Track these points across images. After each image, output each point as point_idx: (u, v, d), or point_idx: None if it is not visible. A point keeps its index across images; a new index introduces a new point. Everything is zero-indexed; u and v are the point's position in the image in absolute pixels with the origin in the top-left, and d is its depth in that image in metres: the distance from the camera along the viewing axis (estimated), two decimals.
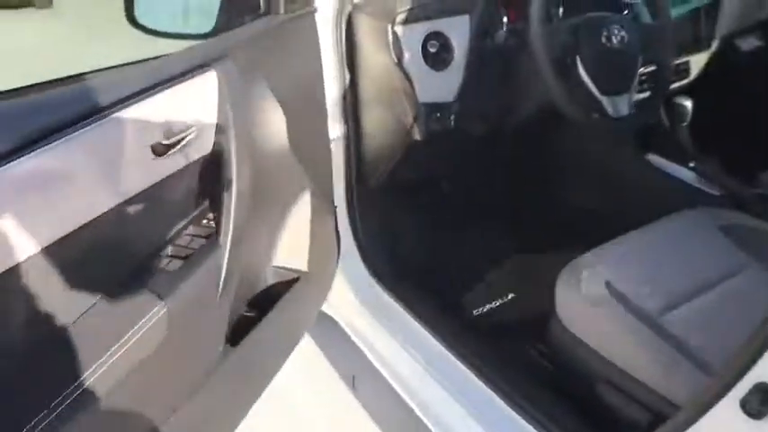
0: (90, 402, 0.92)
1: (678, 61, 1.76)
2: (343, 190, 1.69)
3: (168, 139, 1.00)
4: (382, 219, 1.79)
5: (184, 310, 1.05)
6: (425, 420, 1.46)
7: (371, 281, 1.72)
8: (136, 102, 0.94)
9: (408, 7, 1.48)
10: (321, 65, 1.40)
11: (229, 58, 1.10)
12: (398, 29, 1.46)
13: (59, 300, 0.90)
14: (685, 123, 1.84)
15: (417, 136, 1.56)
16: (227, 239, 1.12)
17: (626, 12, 1.62)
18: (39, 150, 0.81)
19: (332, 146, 1.62)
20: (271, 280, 1.42)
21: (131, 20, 1.31)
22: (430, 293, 1.69)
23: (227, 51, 1.11)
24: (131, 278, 1.02)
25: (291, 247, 1.43)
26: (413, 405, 1.52)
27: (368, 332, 1.71)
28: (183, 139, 1.02)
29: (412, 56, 1.47)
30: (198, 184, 1.12)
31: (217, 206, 1.12)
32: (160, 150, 0.99)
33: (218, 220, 1.13)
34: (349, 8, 1.53)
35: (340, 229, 1.69)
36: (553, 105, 1.46)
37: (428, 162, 1.78)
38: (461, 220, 1.91)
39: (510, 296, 1.84)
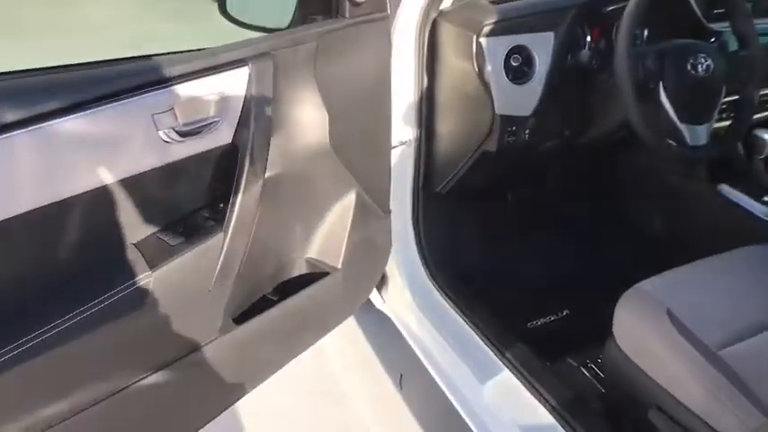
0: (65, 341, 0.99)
1: (762, 92, 1.73)
2: (409, 194, 1.73)
3: (191, 124, 1.07)
4: (446, 225, 1.83)
5: (171, 284, 1.11)
6: (470, 424, 1.49)
7: (430, 285, 1.76)
8: (168, 86, 1.02)
9: (495, 20, 1.49)
10: (389, 70, 1.40)
11: (269, 57, 1.13)
12: (483, 40, 1.47)
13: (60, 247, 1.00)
14: (762, 156, 1.80)
15: (490, 147, 1.58)
16: (229, 226, 1.15)
17: (713, 40, 1.60)
18: (75, 115, 0.93)
19: (401, 149, 1.67)
20: (302, 270, 1.43)
21: (222, 10, 1.36)
22: (486, 301, 1.70)
23: (271, 49, 1.15)
24: (131, 246, 1.09)
25: (331, 244, 1.43)
26: (459, 408, 1.55)
27: (420, 333, 1.74)
28: (205, 125, 1.08)
29: (494, 67, 1.48)
30: (215, 171, 1.16)
31: (227, 194, 1.15)
32: (183, 133, 1.05)
33: (226, 208, 1.16)
34: (434, 15, 1.58)
35: (402, 231, 1.74)
36: (628, 128, 1.46)
37: (497, 173, 1.79)
38: (525, 233, 1.93)
39: (565, 312, 1.84)
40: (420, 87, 1.62)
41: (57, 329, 0.97)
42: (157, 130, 1.02)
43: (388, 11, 1.36)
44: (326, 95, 1.24)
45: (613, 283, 1.35)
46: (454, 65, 1.58)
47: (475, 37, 1.48)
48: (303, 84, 1.21)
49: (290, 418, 1.86)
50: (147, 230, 1.11)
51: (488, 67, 1.48)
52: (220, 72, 1.08)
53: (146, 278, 1.07)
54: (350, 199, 1.42)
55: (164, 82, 1.02)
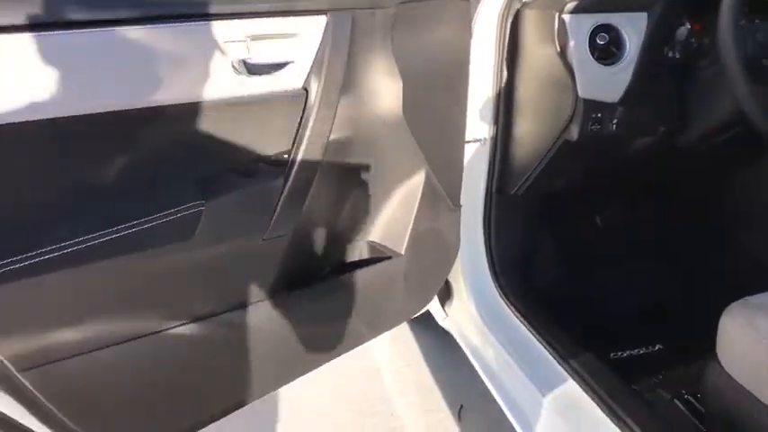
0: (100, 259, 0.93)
1: None
2: (481, 197, 1.59)
3: (263, 61, 1.02)
4: (520, 232, 1.66)
5: (223, 219, 1.04)
6: None
7: (499, 300, 1.58)
8: (244, 17, 0.99)
9: None
10: (467, 55, 1.34)
11: (349, 15, 1.10)
12: (566, 17, 1.35)
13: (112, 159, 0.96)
14: None
15: (572, 135, 1.42)
16: (290, 177, 1.10)
17: None
18: (150, 26, 0.91)
19: (475, 148, 1.55)
20: (361, 251, 1.35)
21: None
22: (563, 323, 1.50)
23: (353, 6, 1.12)
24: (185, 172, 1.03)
25: (394, 227, 1.35)
26: None
27: (486, 353, 1.55)
28: (276, 65, 1.04)
29: (577, 45, 1.35)
30: (280, 116, 1.10)
31: (290, 144, 1.11)
32: (253, 68, 1.01)
33: (287, 159, 1.11)
34: (517, 5, 1.48)
35: (471, 238, 1.59)
36: (741, 122, 1.26)
37: (579, 175, 1.62)
38: (610, 247, 1.71)
39: (657, 347, 1.59)
40: (498, 83, 1.51)
41: (102, 239, 0.93)
42: (229, 58, 0.99)
43: None
44: (402, 65, 1.19)
45: (713, 310, 1.12)
46: (536, 52, 1.46)
47: (557, 14, 1.37)
48: (379, 48, 1.17)
49: None
50: (204, 161, 1.06)
51: (571, 45, 1.35)
52: (298, 15, 1.05)
53: (197, 207, 1.01)
54: (418, 180, 1.32)
55: (241, 14, 0.99)
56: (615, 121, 1.41)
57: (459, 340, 1.67)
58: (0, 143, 0.83)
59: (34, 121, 0.84)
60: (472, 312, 1.61)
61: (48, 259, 0.87)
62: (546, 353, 1.40)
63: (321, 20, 1.07)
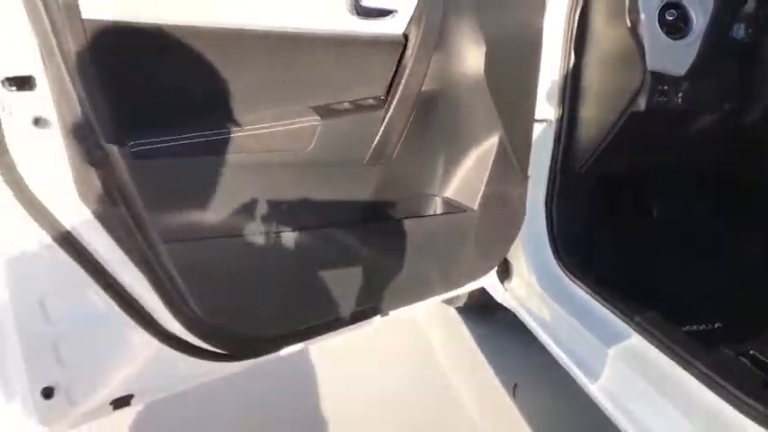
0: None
1: None
2: (545, 174, 1.63)
3: (370, 3, 1.17)
4: (582, 211, 1.69)
5: (335, 135, 1.19)
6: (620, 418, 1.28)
7: (560, 271, 1.61)
8: None
9: None
10: (540, 34, 1.44)
11: None
12: None
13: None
14: None
15: (639, 106, 1.48)
16: (388, 111, 1.24)
17: None
18: None
19: (542, 128, 1.59)
20: (437, 200, 1.44)
21: None
22: (623, 298, 1.52)
23: None
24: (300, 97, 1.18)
25: (467, 184, 1.43)
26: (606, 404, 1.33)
27: (549, 320, 1.57)
28: (384, 11, 1.18)
29: (647, 19, 1.43)
30: (382, 56, 1.24)
31: (391, 82, 1.25)
32: (360, 11, 1.16)
33: (386, 98, 1.25)
34: None
35: (532, 214, 1.62)
36: None
37: (641, 155, 1.67)
38: (667, 235, 1.74)
39: (717, 325, 1.60)
40: (566, 65, 1.56)
41: (237, 134, 1.08)
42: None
43: None
44: (485, 32, 1.30)
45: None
46: (605, 32, 1.53)
47: None
48: (467, 10, 1.29)
49: (394, 406, 1.72)
50: (317, 89, 1.20)
51: (641, 18, 1.43)
52: None
53: (315, 121, 1.16)
54: (492, 143, 1.40)
55: None
56: (681, 94, 1.47)
57: (519, 312, 1.68)
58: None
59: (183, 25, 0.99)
60: (533, 284, 1.64)
61: (195, 143, 1.01)
62: (610, 314, 1.42)
63: None
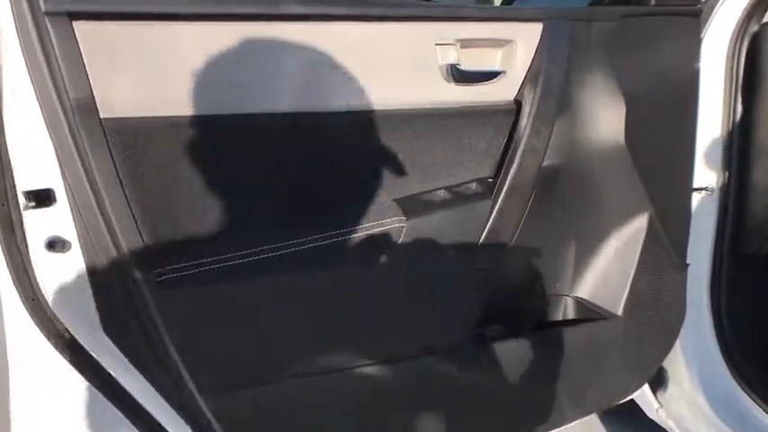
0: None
1: None
2: (708, 255, 1.35)
3: (473, 68, 0.98)
4: (762, 301, 1.37)
5: (424, 243, 0.97)
6: None
7: (735, 387, 1.31)
8: (455, 20, 0.96)
9: None
10: (696, 79, 1.21)
11: (567, 23, 1.03)
12: None
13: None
14: None
15: None
16: (498, 198, 1.01)
17: None
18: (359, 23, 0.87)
19: (700, 198, 1.33)
20: (567, 304, 1.20)
21: None
22: None
23: (569, 17, 1.06)
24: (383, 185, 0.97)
25: (609, 282, 1.19)
26: None
27: None
28: (487, 73, 0.99)
29: None
30: (487, 128, 1.03)
31: (501, 160, 1.04)
32: (456, 76, 0.96)
33: (497, 178, 1.03)
34: (756, 27, 1.28)
35: (695, 304, 1.33)
36: None
37: None
38: None
39: None
40: (730, 119, 1.31)
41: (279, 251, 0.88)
42: (439, 61, 0.95)
43: (699, 5, 1.21)
44: (623, 87, 1.10)
45: None
46: None
47: None
48: (596, 64, 1.08)
49: None
50: (406, 174, 1.00)
51: None
52: (512, 22, 1.01)
53: (398, 222, 0.96)
54: (640, 226, 1.17)
55: (452, 19, 0.96)
56: None
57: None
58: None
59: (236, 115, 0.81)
60: (699, 403, 1.34)
61: (239, 265, 0.83)
62: None
63: (537, 27, 1.01)
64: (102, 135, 0.72)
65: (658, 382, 1.43)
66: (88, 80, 0.71)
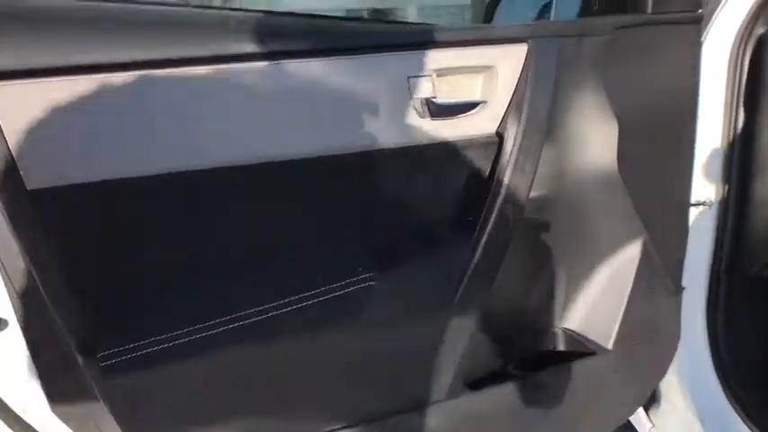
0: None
1: None
2: (704, 276, 1.29)
3: (450, 101, 0.89)
4: (763, 326, 1.32)
5: (394, 302, 0.91)
6: None
7: (729, 410, 1.27)
8: (429, 50, 0.87)
9: None
10: (696, 90, 1.13)
11: (555, 41, 0.95)
12: None
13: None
14: None
15: None
16: (479, 244, 0.93)
17: None
18: (326, 59, 0.80)
19: (697, 213, 1.27)
20: (555, 340, 1.15)
21: None
22: None
23: (557, 33, 0.98)
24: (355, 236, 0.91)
25: (600, 314, 1.13)
26: None
27: None
28: (465, 106, 0.91)
29: None
30: (468, 167, 0.96)
31: (482, 199, 0.95)
32: (432, 110, 0.88)
33: (476, 220, 0.95)
34: (761, 30, 1.20)
35: (689, 327, 1.28)
36: None
37: None
38: None
39: None
40: (731, 129, 1.24)
41: (253, 317, 0.82)
42: (411, 96, 0.87)
43: (700, 11, 1.11)
44: (616, 107, 1.02)
45: None
46: None
47: None
48: (588, 85, 1.00)
49: None
50: (376, 221, 0.93)
51: None
52: (492, 45, 0.92)
53: (365, 281, 0.88)
54: (633, 254, 1.11)
55: (425, 46, 0.88)
56: None
57: None
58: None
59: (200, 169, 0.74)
60: (691, 423, 1.31)
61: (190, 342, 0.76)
62: None
63: (520, 49, 0.92)
64: (29, 207, 0.66)
65: (651, 401, 1.39)
66: (9, 150, 0.64)
